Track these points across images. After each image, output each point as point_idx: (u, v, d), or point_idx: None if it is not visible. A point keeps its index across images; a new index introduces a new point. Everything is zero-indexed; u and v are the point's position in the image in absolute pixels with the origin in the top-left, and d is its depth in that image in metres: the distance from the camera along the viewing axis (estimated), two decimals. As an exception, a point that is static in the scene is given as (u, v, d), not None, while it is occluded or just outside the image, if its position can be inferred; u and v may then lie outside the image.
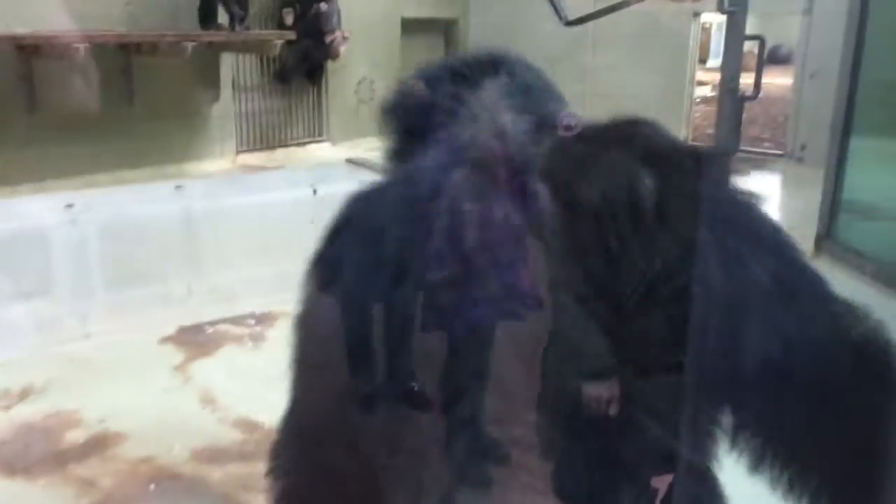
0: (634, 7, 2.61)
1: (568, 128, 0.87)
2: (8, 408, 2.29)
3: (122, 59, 4.92)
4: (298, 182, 1.64)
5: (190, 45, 4.62)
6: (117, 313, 1.52)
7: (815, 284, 0.83)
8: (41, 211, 1.50)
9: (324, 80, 6.28)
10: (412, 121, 0.93)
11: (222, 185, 1.71)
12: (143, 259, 1.55)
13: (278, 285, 1.71)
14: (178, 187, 1.61)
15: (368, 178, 1.64)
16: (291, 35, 5.32)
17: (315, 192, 1.57)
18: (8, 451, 2.08)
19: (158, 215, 1.53)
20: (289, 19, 5.46)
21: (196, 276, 1.55)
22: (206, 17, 5.01)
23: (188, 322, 1.85)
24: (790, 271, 0.83)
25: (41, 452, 2.08)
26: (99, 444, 2.10)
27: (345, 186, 1.65)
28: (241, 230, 1.60)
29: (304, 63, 5.78)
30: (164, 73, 4.95)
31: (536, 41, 6.31)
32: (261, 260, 1.61)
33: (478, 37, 7.33)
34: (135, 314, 1.55)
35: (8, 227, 1.44)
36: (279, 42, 5.12)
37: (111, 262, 1.49)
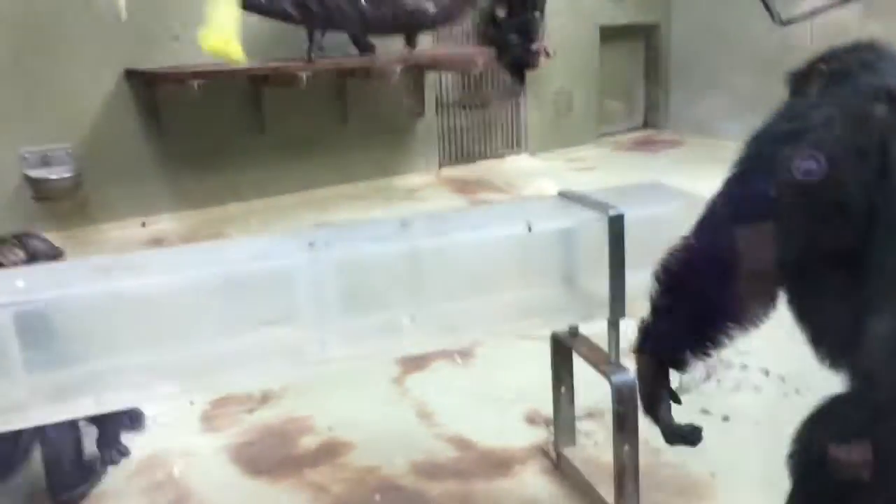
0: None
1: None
2: (251, 411, 2.58)
3: (337, 83, 5.31)
4: (514, 218, 1.72)
5: (399, 68, 4.89)
6: (351, 340, 1.69)
7: None
8: (287, 248, 1.69)
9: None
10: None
11: (444, 223, 1.83)
12: (373, 291, 1.70)
13: (491, 316, 1.81)
14: (403, 225, 1.75)
15: (583, 215, 1.71)
16: (491, 55, 5.47)
17: (530, 229, 1.64)
18: (254, 451, 2.34)
19: (386, 251, 1.67)
20: (501, 12, 5.60)
21: (419, 307, 1.68)
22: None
23: (412, 348, 2.02)
24: None
25: (280, 455, 2.31)
26: (329, 452, 2.31)
27: (559, 224, 1.73)
28: (460, 265, 1.71)
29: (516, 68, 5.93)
30: (374, 94, 5.28)
31: (747, 44, 6.03)
32: (478, 293, 1.72)
33: (681, 41, 7.09)
34: (366, 341, 1.70)
35: (260, 264, 1.63)
36: (481, 60, 5.29)
37: (346, 293, 1.66)
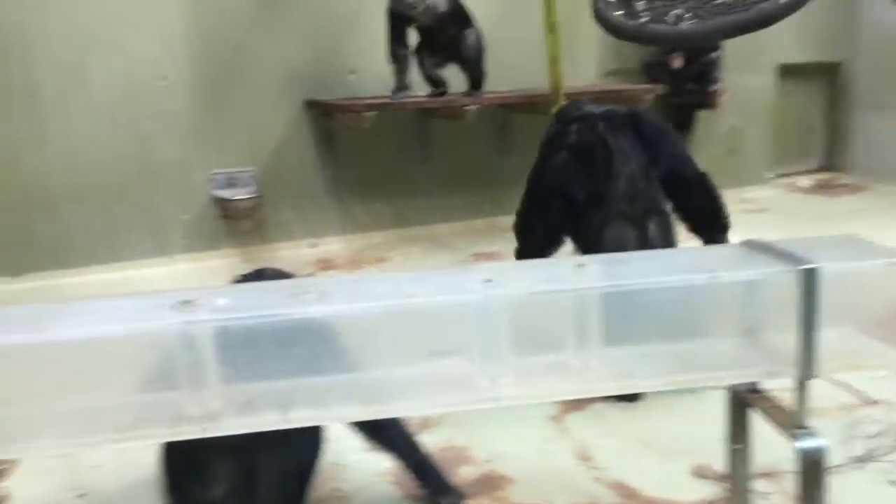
0: None
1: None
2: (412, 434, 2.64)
3: (503, 116, 5.39)
4: (696, 265, 1.68)
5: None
6: (522, 379, 1.70)
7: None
8: (464, 283, 1.73)
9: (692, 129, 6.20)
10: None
11: (621, 266, 1.81)
12: (545, 331, 1.71)
13: (668, 365, 1.76)
14: (579, 266, 1.75)
15: (771, 266, 1.64)
16: (661, 89, 5.37)
17: (712, 277, 1.60)
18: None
19: (562, 292, 1.67)
20: (677, 62, 5.51)
21: (592, 351, 1.67)
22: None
23: (583, 392, 2.00)
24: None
25: (441, 483, 2.35)
26: (488, 484, 2.32)
27: (744, 274, 1.67)
28: (636, 310, 1.68)
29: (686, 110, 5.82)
30: (537, 127, 5.32)
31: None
32: (654, 341, 1.68)
33: (867, 81, 6.66)
34: (536, 381, 1.71)
35: (440, 298, 1.68)
36: (650, 96, 5.20)
37: (518, 332, 1.67)
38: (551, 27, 4.24)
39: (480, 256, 4.95)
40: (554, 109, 3.43)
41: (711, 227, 2.94)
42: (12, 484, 2.44)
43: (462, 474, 2.39)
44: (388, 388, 1.79)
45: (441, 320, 1.76)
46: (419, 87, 5.00)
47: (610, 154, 2.73)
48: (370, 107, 4.68)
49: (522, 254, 3.05)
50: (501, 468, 2.40)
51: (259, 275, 2.22)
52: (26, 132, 4.46)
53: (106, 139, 4.64)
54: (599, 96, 5.35)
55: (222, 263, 4.86)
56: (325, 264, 4.93)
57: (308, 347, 1.70)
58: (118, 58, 4.59)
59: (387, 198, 5.38)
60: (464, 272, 1.87)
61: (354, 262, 4.95)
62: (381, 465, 2.44)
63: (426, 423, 2.68)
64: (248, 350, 1.69)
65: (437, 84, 5.01)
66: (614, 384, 1.74)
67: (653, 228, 2.73)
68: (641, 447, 2.49)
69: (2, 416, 1.66)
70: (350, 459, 2.48)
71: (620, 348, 1.71)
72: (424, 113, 5.20)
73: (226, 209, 4.90)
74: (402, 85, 4.80)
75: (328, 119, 5.06)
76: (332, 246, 5.24)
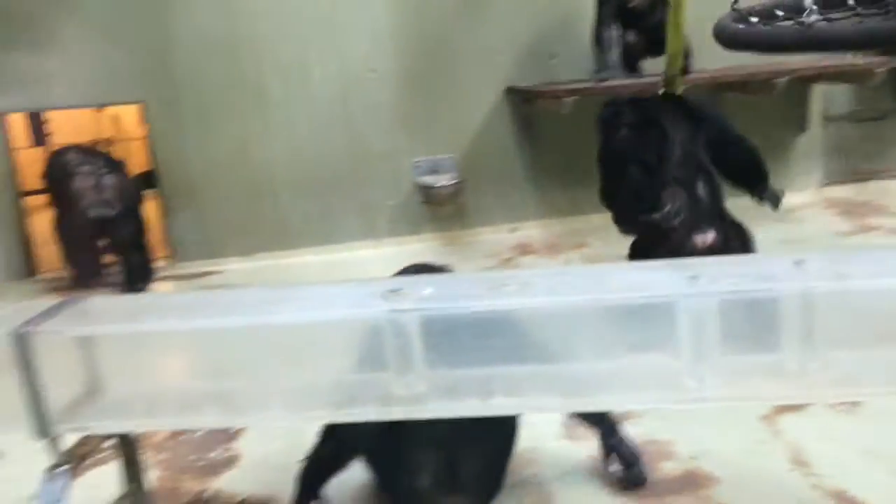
0: None
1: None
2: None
3: (711, 97, 5.12)
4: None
5: (781, 81, 4.58)
6: (732, 380, 1.62)
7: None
8: (671, 278, 1.68)
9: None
10: None
11: (845, 264, 1.66)
12: (757, 331, 1.61)
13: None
14: (797, 264, 1.63)
15: None
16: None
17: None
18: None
19: (777, 291, 1.57)
20: None
21: (810, 354, 1.55)
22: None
23: (800, 398, 1.88)
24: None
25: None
26: (692, 482, 2.24)
27: None
28: (861, 312, 1.54)
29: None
30: (752, 108, 5.00)
31: None
32: (882, 345, 1.53)
33: None
34: (748, 383, 1.62)
35: (644, 294, 1.64)
36: (881, 70, 4.71)
37: (728, 331, 1.59)
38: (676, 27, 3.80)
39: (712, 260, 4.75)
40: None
41: (754, 178, 3.41)
42: (242, 445, 2.71)
43: (664, 470, 2.32)
44: (589, 382, 1.78)
45: (646, 317, 1.72)
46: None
47: (663, 128, 3.26)
48: (570, 92, 4.63)
49: (618, 219, 3.55)
50: (706, 466, 2.31)
51: (418, 269, 2.30)
52: (255, 127, 4.90)
53: (323, 132, 4.97)
54: (817, 74, 4.95)
55: (424, 247, 5.05)
56: (524, 249, 4.97)
57: (509, 337, 1.73)
58: (334, 56, 4.90)
59: (587, 183, 5.28)
60: (670, 267, 1.80)
61: (553, 248, 4.95)
62: (579, 453, 2.44)
63: (628, 415, 2.63)
64: (451, 338, 1.75)
65: (636, 68, 4.86)
66: (836, 391, 1.61)
67: (701, 187, 3.23)
68: (865, 455, 2.28)
69: (235, 388, 1.85)
70: (548, 446, 2.50)
71: (843, 351, 1.58)
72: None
73: (427, 195, 5.08)
74: (605, 66, 4.71)
75: (528, 105, 5.07)
76: (532, 231, 5.27)
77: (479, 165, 5.19)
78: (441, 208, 5.17)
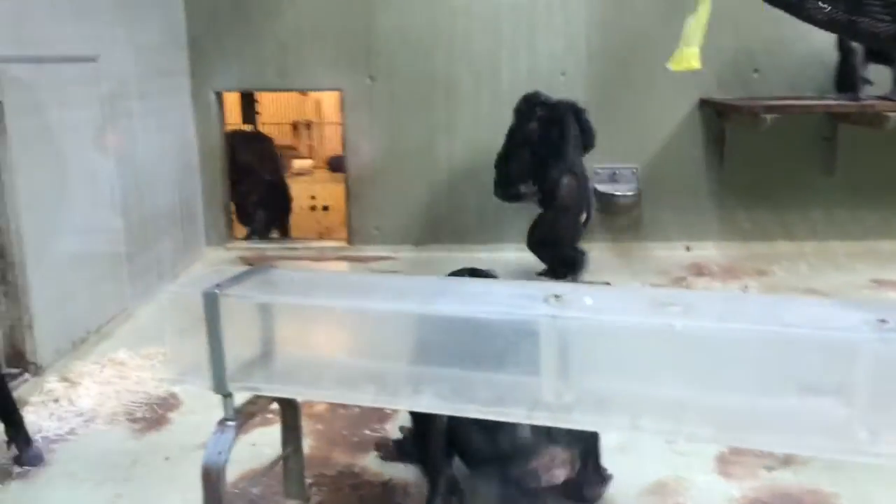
0: None
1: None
2: (770, 469, 2.46)
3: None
4: None
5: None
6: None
7: None
8: (854, 318, 1.56)
9: None
10: None
11: None
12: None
13: None
14: None
15: None
16: None
17: None
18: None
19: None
20: None
21: None
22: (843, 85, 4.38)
23: None
24: None
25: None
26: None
27: None
28: None
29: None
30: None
31: None
32: None
33: None
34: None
35: (821, 332, 1.54)
36: None
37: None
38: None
39: (883, 284, 4.36)
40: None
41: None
42: (392, 428, 2.81)
43: (824, 525, 2.16)
44: (748, 417, 1.69)
45: (820, 356, 1.61)
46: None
47: (565, 128, 4.27)
48: (770, 108, 4.38)
49: (497, 186, 4.49)
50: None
51: (471, 272, 2.34)
52: (442, 120, 5.05)
53: (506, 129, 5.02)
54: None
55: (594, 256, 4.97)
56: (699, 269, 4.77)
57: (667, 359, 1.68)
58: (525, 56, 4.95)
59: (775, 207, 5.01)
60: (854, 306, 1.67)
61: (730, 272, 4.71)
62: (731, 491, 2.32)
63: (789, 460, 2.47)
64: (607, 351, 1.72)
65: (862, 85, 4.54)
66: None
67: (582, 175, 4.33)
68: None
69: (393, 371, 1.93)
70: (699, 479, 2.40)
71: None
72: (833, 118, 4.71)
73: (605, 203, 5.00)
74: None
75: (721, 119, 4.85)
76: (708, 251, 5.05)
77: (659, 178, 5.04)
78: (616, 218, 5.08)
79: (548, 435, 2.06)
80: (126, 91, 4.03)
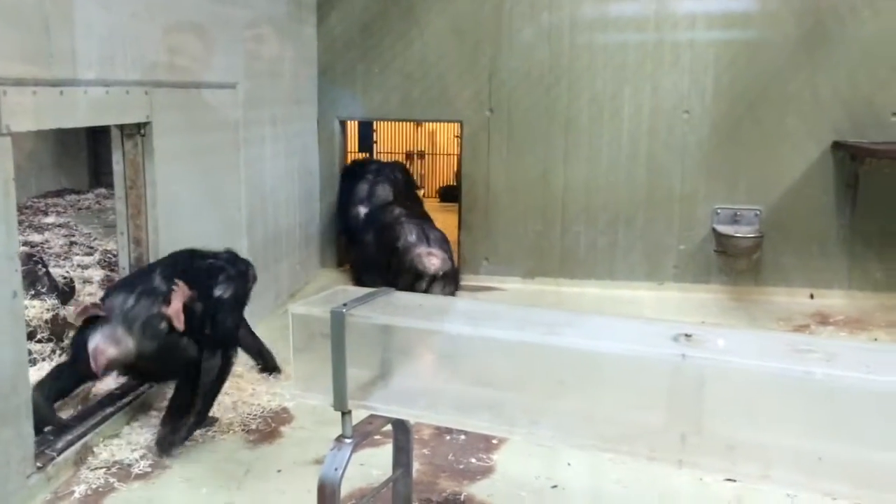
0: None
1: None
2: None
3: None
4: None
5: None
6: None
7: None
8: None
9: None
10: None
11: None
12: None
13: None
14: None
15: None
16: None
17: None
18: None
19: None
20: None
21: None
22: None
23: None
24: None
25: None
26: None
27: None
28: None
29: None
30: None
31: None
32: None
33: None
34: None
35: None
36: None
37: None
38: None
39: None
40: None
41: None
42: (498, 458, 2.79)
43: None
44: (890, 476, 1.58)
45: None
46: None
47: (395, 184, 5.35)
48: (909, 154, 4.15)
49: (336, 218, 5.43)
50: None
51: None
52: (557, 155, 5.03)
53: (623, 167, 4.97)
54: None
55: (710, 298, 4.83)
56: (823, 319, 4.54)
57: (803, 408, 1.59)
58: (648, 91, 4.88)
59: (912, 258, 4.71)
60: None
61: (858, 322, 4.45)
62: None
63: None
64: (738, 395, 1.65)
65: None
66: None
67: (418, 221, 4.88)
68: None
69: (509, 400, 1.92)
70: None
71: None
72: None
73: (725, 245, 4.84)
74: None
75: (856, 163, 4.63)
76: (834, 300, 4.79)
77: (784, 221, 4.84)
78: (736, 261, 4.90)
79: None
80: (259, 117, 4.23)
